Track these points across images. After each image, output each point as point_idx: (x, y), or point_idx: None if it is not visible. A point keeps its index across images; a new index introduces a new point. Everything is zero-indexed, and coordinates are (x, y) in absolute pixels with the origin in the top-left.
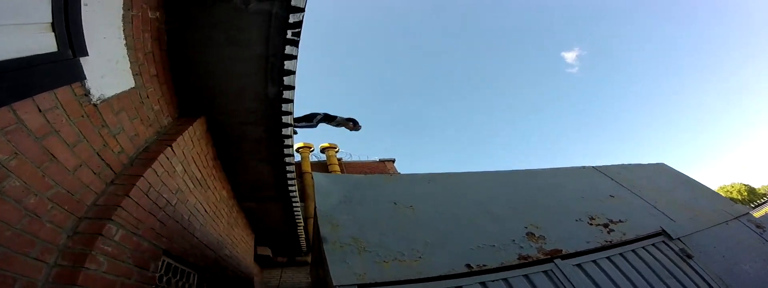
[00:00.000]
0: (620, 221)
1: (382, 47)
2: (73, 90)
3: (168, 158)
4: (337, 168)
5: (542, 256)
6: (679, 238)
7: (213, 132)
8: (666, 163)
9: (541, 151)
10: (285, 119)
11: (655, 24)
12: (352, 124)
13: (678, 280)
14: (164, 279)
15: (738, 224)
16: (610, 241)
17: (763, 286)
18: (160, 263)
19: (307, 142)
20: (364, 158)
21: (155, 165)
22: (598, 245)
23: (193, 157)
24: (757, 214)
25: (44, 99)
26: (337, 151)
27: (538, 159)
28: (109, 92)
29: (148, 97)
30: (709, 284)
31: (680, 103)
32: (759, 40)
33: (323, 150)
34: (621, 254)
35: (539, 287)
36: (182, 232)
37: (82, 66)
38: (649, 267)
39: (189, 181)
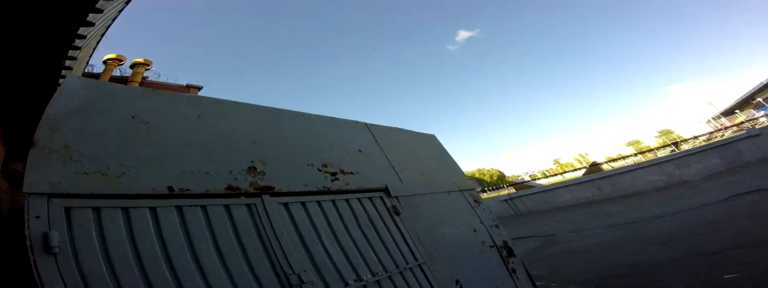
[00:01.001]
0: (351, 173)
1: None
2: None
3: None
4: (135, 85)
5: (252, 190)
6: (396, 197)
7: None
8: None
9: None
10: None
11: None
12: None
13: (376, 229)
14: None
15: (459, 196)
16: (328, 188)
17: (453, 245)
18: None
19: (121, 55)
20: (172, 81)
21: None
22: (315, 190)
23: None
24: (492, 195)
25: None
26: (148, 69)
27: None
28: None
29: None
30: (403, 236)
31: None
32: None
33: (133, 66)
34: (333, 201)
35: (236, 218)
36: None
37: None
38: (354, 214)
39: None
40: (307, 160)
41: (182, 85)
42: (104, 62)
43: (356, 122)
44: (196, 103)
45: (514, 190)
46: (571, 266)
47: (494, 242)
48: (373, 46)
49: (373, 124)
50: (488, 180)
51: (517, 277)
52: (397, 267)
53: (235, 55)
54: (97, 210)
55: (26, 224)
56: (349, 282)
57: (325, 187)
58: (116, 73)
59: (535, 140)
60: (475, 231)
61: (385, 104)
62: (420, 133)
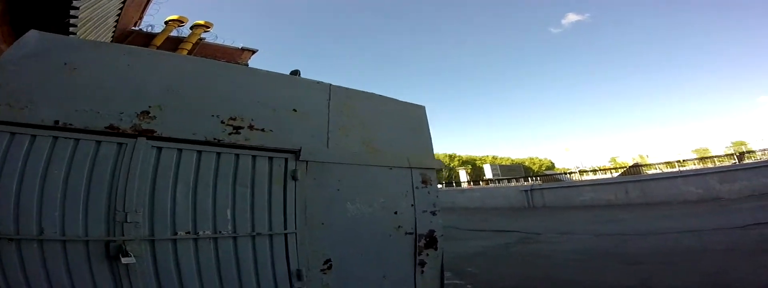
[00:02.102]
0: (262, 130)
1: None
2: None
3: None
4: (189, 46)
5: (130, 132)
6: (307, 161)
7: None
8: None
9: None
10: None
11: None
12: None
13: (253, 189)
14: None
15: (404, 173)
16: (219, 140)
17: (349, 222)
18: None
19: (183, 16)
20: (229, 43)
21: None
22: (202, 139)
23: None
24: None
25: None
26: (207, 31)
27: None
28: None
29: None
30: (285, 203)
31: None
32: None
33: (192, 27)
34: (218, 153)
35: (101, 154)
36: None
37: None
38: (235, 170)
39: None
40: (213, 112)
41: (237, 48)
42: (165, 23)
43: (319, 83)
44: (131, 54)
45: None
46: (513, 269)
47: (415, 229)
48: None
49: (339, 87)
50: (536, 169)
51: (423, 271)
52: (253, 231)
53: (323, 30)
54: None
55: None
56: (179, 232)
57: (215, 138)
58: (174, 33)
59: (600, 134)
60: (395, 213)
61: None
62: (405, 102)
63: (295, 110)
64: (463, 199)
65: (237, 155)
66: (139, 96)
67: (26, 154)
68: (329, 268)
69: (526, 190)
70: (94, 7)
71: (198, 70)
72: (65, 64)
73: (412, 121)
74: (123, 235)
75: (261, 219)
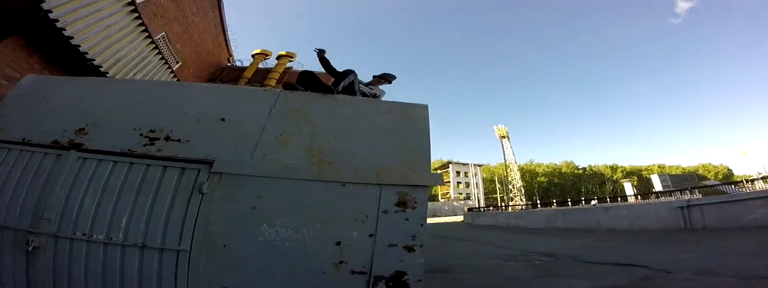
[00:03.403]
0: (178, 141)
1: None
2: None
3: None
4: (276, 75)
5: (66, 145)
6: (221, 173)
7: None
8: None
9: None
10: None
11: None
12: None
13: (154, 198)
14: None
15: (368, 192)
16: (132, 151)
17: (262, 249)
18: None
19: (266, 49)
20: (319, 69)
21: None
22: (118, 151)
23: None
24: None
25: None
26: (292, 60)
27: None
28: None
29: None
30: (185, 216)
31: None
32: None
33: (278, 57)
34: (131, 163)
35: (45, 162)
36: None
37: None
38: (143, 179)
39: None
40: (136, 126)
41: (323, 73)
42: (252, 56)
43: (266, 90)
44: (88, 83)
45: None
46: None
47: (370, 269)
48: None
49: (294, 93)
50: (711, 178)
51: None
52: (144, 242)
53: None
54: None
55: None
56: (77, 232)
57: (129, 149)
58: (262, 65)
59: None
60: (337, 243)
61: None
62: (397, 103)
63: (223, 119)
64: (608, 219)
65: (148, 166)
66: (83, 117)
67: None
68: None
69: (681, 207)
70: (111, 49)
71: (132, 90)
72: (43, 96)
73: (402, 125)
74: (38, 229)
75: (154, 232)
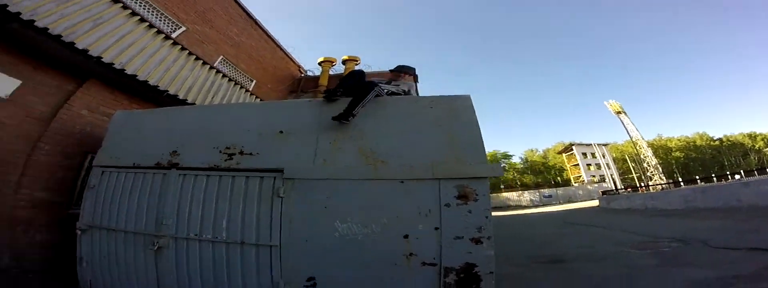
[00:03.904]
0: (250, 154)
1: None
2: None
3: None
4: None
5: (167, 165)
6: (292, 179)
7: None
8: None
9: None
10: None
11: None
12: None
13: (244, 204)
14: None
15: (427, 187)
16: (218, 166)
17: (338, 243)
18: None
19: (329, 57)
20: (384, 69)
21: None
22: (207, 166)
23: None
24: None
25: None
26: (356, 64)
27: None
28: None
29: None
30: (271, 218)
31: None
32: None
33: (344, 62)
34: (220, 176)
35: (155, 181)
36: None
37: None
38: (231, 189)
39: None
40: (215, 144)
41: (388, 72)
42: (319, 64)
43: (309, 101)
44: (165, 113)
45: None
46: None
47: (440, 260)
48: None
49: (332, 102)
50: None
51: None
52: (242, 240)
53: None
54: (108, 171)
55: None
56: (190, 234)
57: (215, 165)
58: (332, 72)
59: None
60: (405, 237)
61: None
62: (438, 97)
63: (281, 132)
64: (750, 196)
65: (233, 177)
66: (171, 141)
67: (116, 183)
68: (313, 286)
69: None
70: (178, 79)
71: (205, 115)
72: (135, 128)
73: (448, 118)
74: (160, 232)
75: (249, 231)
